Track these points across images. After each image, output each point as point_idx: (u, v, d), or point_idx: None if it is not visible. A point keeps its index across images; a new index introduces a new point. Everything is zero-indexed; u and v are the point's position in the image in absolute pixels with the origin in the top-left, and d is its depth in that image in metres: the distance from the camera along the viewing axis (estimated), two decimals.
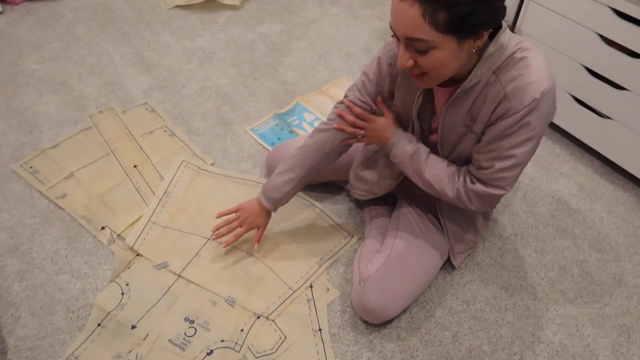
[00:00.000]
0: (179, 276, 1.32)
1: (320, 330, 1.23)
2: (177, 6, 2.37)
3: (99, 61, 2.05)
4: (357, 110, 1.19)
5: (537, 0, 1.58)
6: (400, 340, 1.24)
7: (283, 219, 1.45)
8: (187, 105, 1.86)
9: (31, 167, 1.60)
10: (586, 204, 1.58)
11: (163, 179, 1.56)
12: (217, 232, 1.30)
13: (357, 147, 1.40)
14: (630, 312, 1.32)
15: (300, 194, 1.51)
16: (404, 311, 1.29)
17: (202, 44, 2.16)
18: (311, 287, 1.31)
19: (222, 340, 1.20)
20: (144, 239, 1.38)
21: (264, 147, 1.70)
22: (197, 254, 1.36)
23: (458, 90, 1.01)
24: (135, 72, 2.00)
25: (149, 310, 1.24)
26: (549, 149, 1.75)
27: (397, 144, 1.16)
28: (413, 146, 1.15)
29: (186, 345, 1.19)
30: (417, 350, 1.22)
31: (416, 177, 1.15)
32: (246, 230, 1.29)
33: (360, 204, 1.52)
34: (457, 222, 1.27)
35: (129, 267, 1.33)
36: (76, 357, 1.16)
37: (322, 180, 1.54)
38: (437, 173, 1.12)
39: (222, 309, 1.26)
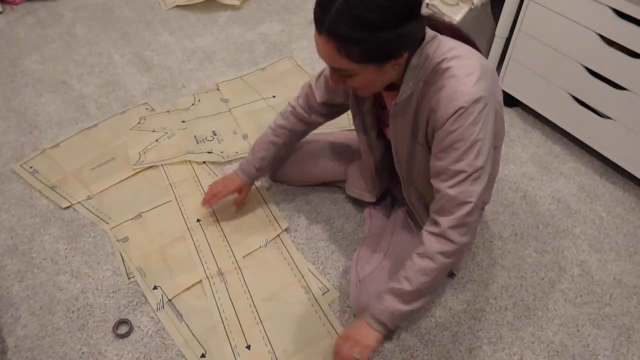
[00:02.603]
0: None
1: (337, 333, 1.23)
2: (177, 6, 2.37)
3: (99, 61, 2.05)
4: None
5: (537, 0, 1.58)
6: (400, 340, 1.24)
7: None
8: None
9: (31, 167, 1.60)
10: (586, 204, 1.58)
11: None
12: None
13: (356, 143, 1.42)
14: (630, 312, 1.32)
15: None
16: None
17: (202, 44, 2.16)
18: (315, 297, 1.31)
19: None
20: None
21: None
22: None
23: (394, 104, 1.02)
24: (135, 72, 2.00)
25: None
26: (549, 149, 1.75)
27: (379, 316, 1.07)
28: (383, 298, 1.07)
29: None
30: (417, 350, 1.22)
31: (417, 299, 1.06)
32: (225, 193, 1.39)
33: (360, 205, 1.52)
34: None
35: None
36: None
37: (322, 180, 1.54)
38: (415, 271, 1.03)
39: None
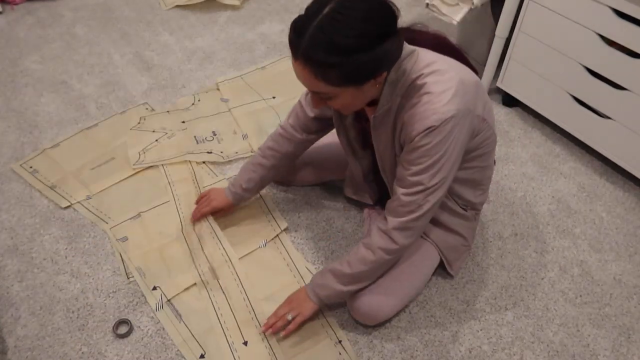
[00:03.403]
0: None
1: (340, 341, 1.22)
2: (177, 6, 2.37)
3: (99, 61, 2.05)
4: (271, 316, 1.19)
5: (537, 0, 1.58)
6: (400, 340, 1.24)
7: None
8: None
9: (31, 167, 1.60)
10: (586, 204, 1.58)
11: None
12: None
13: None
14: (630, 312, 1.32)
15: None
16: (404, 311, 1.29)
17: (202, 44, 2.16)
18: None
19: None
20: None
21: None
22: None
23: (373, 117, 1.04)
24: (135, 72, 2.00)
25: None
26: (549, 149, 1.75)
27: (317, 289, 1.16)
28: (324, 274, 1.15)
29: None
30: (417, 350, 1.22)
31: (353, 284, 1.13)
32: (208, 211, 1.41)
33: (360, 204, 1.52)
34: (441, 232, 1.26)
35: None
36: None
37: (322, 180, 1.54)
38: (357, 258, 1.10)
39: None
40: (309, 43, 0.86)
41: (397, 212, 1.04)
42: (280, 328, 1.17)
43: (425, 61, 0.97)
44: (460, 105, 0.94)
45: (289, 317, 1.17)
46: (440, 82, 0.94)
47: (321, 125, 1.29)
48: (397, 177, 1.04)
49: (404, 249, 1.08)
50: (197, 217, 1.42)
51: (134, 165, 1.60)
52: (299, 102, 1.29)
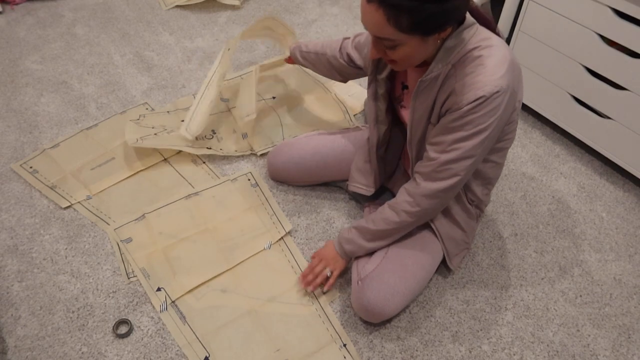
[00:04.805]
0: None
1: (344, 345, 1.22)
2: (177, 6, 2.37)
3: (99, 61, 2.05)
4: (306, 270, 1.29)
5: (537, 0, 1.58)
6: (400, 340, 1.24)
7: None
8: None
9: (31, 167, 1.60)
10: (586, 204, 1.58)
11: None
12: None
13: (358, 143, 1.44)
14: (630, 312, 1.32)
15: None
16: (404, 311, 1.29)
17: (202, 44, 2.16)
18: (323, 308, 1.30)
19: None
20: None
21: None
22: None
23: (419, 82, 1.05)
24: (135, 72, 2.00)
25: None
26: (549, 149, 1.75)
27: (343, 244, 1.25)
28: (351, 230, 1.24)
29: None
30: (417, 350, 1.22)
31: (376, 240, 1.21)
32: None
33: (360, 204, 1.52)
34: (445, 222, 1.27)
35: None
36: None
37: (322, 180, 1.54)
38: (381, 217, 1.18)
39: None
40: None
41: (431, 177, 1.08)
42: (319, 284, 1.27)
43: (483, 35, 1.00)
44: (510, 82, 0.97)
45: (328, 272, 1.25)
46: (496, 57, 0.97)
47: (349, 65, 1.37)
48: (436, 142, 1.06)
49: (427, 214, 1.15)
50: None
51: (130, 144, 1.57)
52: (344, 39, 1.38)
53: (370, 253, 1.27)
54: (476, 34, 1.00)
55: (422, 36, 0.93)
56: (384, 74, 1.18)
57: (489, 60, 0.97)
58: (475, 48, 0.98)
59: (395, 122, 1.31)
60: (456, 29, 0.98)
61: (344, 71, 1.41)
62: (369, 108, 1.28)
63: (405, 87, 1.19)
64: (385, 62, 1.16)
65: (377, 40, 0.97)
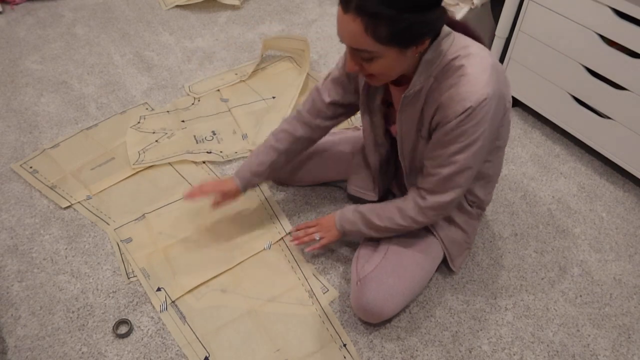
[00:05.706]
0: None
1: (344, 345, 1.22)
2: (177, 6, 2.37)
3: (99, 61, 2.05)
4: (301, 225, 1.34)
5: (537, 0, 1.58)
6: (400, 340, 1.24)
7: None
8: None
9: (31, 167, 1.60)
10: (586, 204, 1.58)
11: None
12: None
13: (358, 143, 1.43)
14: (630, 312, 1.32)
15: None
16: (404, 311, 1.29)
17: (202, 44, 2.16)
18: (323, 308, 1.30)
19: None
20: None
21: None
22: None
23: (403, 97, 1.04)
24: (135, 72, 2.00)
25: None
26: (549, 149, 1.75)
27: (344, 222, 1.26)
28: (355, 213, 1.24)
29: None
30: (417, 350, 1.22)
31: (375, 231, 1.22)
32: (211, 190, 1.33)
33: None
34: (446, 226, 1.27)
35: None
36: None
37: (322, 180, 1.54)
38: (387, 215, 1.18)
39: None
40: None
41: (434, 192, 1.09)
42: (305, 243, 1.31)
43: (461, 43, 0.98)
44: (495, 87, 0.96)
45: (317, 237, 1.29)
46: (477, 64, 0.96)
47: (336, 112, 1.28)
48: (432, 157, 1.06)
49: (431, 222, 1.17)
50: (197, 195, 1.31)
51: (133, 165, 1.60)
52: (316, 87, 1.28)
53: (370, 253, 1.28)
54: (454, 43, 0.98)
55: (400, 48, 0.92)
56: (377, 101, 1.17)
57: (470, 69, 0.95)
58: (455, 58, 0.97)
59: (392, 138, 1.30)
60: (434, 40, 0.97)
61: (322, 130, 1.31)
62: (367, 138, 1.27)
63: (389, 104, 1.18)
64: (374, 89, 1.15)
65: (354, 52, 0.95)
